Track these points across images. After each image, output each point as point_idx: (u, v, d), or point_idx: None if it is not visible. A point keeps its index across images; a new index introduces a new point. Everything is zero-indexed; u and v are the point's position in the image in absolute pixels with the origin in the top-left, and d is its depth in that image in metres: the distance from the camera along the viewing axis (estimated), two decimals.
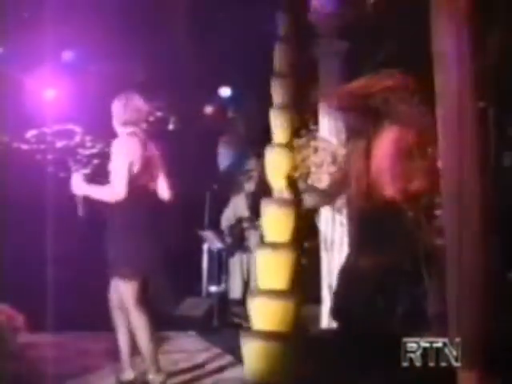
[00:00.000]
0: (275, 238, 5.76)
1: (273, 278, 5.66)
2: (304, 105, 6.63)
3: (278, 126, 6.17)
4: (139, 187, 5.30)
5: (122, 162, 5.24)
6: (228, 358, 6.43)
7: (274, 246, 5.69)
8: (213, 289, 8.61)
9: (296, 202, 5.82)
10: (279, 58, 6.30)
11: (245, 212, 8.60)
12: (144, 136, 5.48)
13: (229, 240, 8.59)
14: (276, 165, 6.09)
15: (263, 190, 6.66)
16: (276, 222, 5.82)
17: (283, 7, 6.45)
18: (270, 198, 5.96)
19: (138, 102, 5.56)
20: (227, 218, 8.90)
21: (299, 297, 5.65)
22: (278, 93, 6.24)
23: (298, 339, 5.46)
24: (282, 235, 5.76)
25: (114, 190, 5.21)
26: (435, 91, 4.96)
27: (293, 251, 5.69)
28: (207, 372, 6.12)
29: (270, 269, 5.67)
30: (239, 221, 8.59)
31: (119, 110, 5.52)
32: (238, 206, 8.81)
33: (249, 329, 5.61)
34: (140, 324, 5.31)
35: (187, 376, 5.99)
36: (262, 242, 5.84)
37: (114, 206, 5.26)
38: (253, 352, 5.46)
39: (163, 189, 5.53)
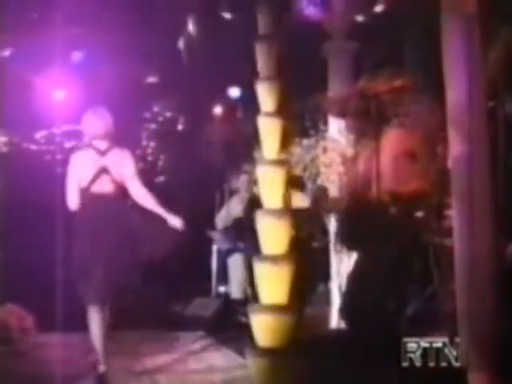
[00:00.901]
0: (273, 250, 5.56)
1: (274, 292, 5.50)
2: (294, 111, 6.42)
3: (267, 137, 5.79)
4: (91, 197, 5.67)
5: (71, 176, 5.70)
6: (237, 358, 6.42)
7: (273, 258, 5.51)
8: (222, 289, 8.60)
9: (292, 213, 5.62)
10: (263, 58, 5.83)
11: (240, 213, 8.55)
12: (107, 146, 5.75)
13: (225, 240, 8.59)
14: (268, 183, 5.74)
15: None
16: (273, 234, 5.59)
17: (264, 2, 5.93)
18: (266, 210, 5.69)
19: (105, 117, 5.86)
20: (222, 218, 8.90)
21: (302, 308, 5.55)
22: (264, 98, 5.81)
23: (302, 353, 5.38)
24: (280, 247, 5.55)
25: (68, 201, 5.71)
26: (445, 90, 4.96)
27: (292, 262, 5.52)
28: (217, 372, 6.11)
29: (271, 282, 5.51)
30: (235, 221, 8.56)
31: (87, 124, 5.87)
32: (233, 207, 8.79)
33: (254, 345, 5.53)
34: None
35: (197, 376, 5.99)
36: (261, 255, 5.64)
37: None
38: (260, 368, 5.41)
39: (135, 188, 5.73)
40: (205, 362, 6.48)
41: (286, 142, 5.73)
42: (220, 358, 6.60)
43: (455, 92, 4.84)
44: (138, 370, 6.10)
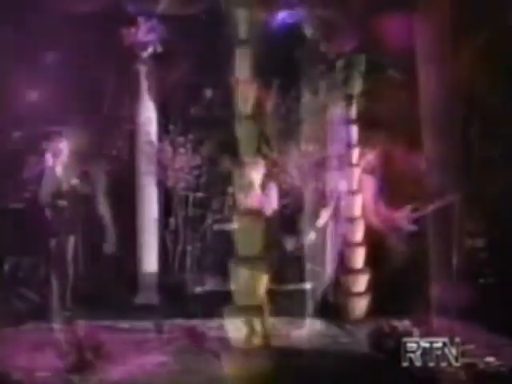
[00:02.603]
0: (249, 251, 5.59)
1: (249, 293, 5.53)
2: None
3: (244, 139, 5.80)
4: None
5: None
6: (214, 360, 6.42)
7: (249, 260, 5.54)
8: (198, 290, 8.60)
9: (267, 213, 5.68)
10: (240, 61, 5.81)
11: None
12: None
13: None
14: (244, 185, 5.78)
15: None
16: (249, 236, 5.63)
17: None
18: (242, 211, 5.71)
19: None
20: None
21: (276, 309, 5.58)
22: (241, 100, 5.81)
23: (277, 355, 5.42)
24: (255, 248, 5.59)
25: None
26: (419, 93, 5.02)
27: (267, 264, 5.56)
28: (194, 374, 6.11)
29: (246, 284, 5.54)
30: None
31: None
32: None
33: (230, 346, 5.56)
34: None
35: (175, 377, 6.01)
36: (236, 257, 5.65)
37: None
38: (236, 370, 5.45)
39: None
40: (184, 363, 6.48)
41: (262, 144, 5.79)
42: (198, 360, 6.59)
43: (428, 95, 4.91)
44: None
